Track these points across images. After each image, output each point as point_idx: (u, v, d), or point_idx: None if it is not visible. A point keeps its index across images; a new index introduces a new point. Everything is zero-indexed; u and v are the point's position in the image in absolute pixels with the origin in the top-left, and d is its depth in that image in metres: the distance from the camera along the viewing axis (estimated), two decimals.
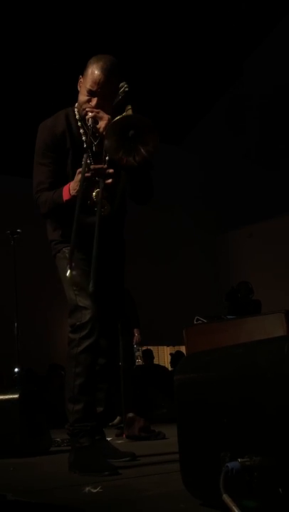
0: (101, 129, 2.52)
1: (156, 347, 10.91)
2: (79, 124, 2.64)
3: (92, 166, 2.46)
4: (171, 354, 9.82)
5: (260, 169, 10.51)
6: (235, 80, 11.11)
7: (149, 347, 9.40)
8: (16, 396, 3.58)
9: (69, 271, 2.37)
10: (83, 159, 2.45)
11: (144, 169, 2.48)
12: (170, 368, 9.36)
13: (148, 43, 9.31)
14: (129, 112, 2.47)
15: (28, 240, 5.81)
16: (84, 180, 2.41)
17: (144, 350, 9.20)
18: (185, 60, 9.93)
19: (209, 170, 11.54)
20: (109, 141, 2.38)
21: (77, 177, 2.45)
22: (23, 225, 5.45)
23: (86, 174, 2.42)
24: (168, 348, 11.22)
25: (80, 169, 2.43)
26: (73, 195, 2.45)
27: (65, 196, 2.49)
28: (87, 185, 2.44)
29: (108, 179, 2.49)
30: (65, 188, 2.50)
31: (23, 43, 8.41)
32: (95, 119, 2.53)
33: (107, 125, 2.48)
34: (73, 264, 2.56)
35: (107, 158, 2.54)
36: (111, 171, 2.49)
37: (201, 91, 10.81)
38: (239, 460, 1.37)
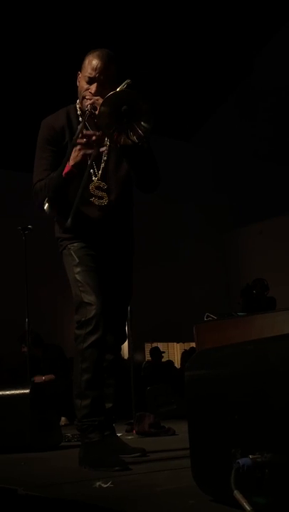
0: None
1: (166, 344, 10.92)
2: (80, 119, 2.65)
3: (86, 132, 2.47)
4: (185, 350, 9.80)
5: (270, 165, 10.46)
6: (245, 75, 11.06)
7: (158, 344, 9.41)
8: (27, 391, 3.59)
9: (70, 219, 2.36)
10: (79, 126, 2.47)
11: (142, 150, 2.45)
12: (179, 366, 9.36)
13: (158, 40, 9.29)
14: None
15: (39, 236, 5.83)
16: (74, 146, 2.43)
17: (152, 348, 9.22)
18: (195, 56, 9.90)
19: (219, 166, 11.50)
20: (102, 117, 2.36)
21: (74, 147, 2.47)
22: (34, 222, 5.46)
23: (79, 140, 2.44)
24: (178, 344, 11.22)
25: (74, 137, 2.47)
26: (72, 165, 2.46)
27: (66, 169, 2.49)
28: (84, 149, 2.45)
29: (101, 146, 2.54)
30: (67, 164, 2.50)
31: (25, 40, 8.41)
32: (94, 106, 2.53)
33: None
34: (78, 261, 2.58)
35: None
36: (92, 171, 2.57)
37: (211, 86, 10.77)
38: (250, 456, 1.37)
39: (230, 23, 9.65)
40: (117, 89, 2.39)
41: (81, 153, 2.45)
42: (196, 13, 9.30)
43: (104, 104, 2.34)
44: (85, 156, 2.46)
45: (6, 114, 9.01)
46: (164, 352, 9.27)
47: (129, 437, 4.06)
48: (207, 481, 1.62)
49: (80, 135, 2.45)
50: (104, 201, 2.64)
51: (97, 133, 2.48)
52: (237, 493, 1.33)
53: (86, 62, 2.60)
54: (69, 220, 2.29)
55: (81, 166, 2.47)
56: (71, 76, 2.74)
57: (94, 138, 2.47)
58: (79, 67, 2.66)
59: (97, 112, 2.46)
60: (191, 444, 1.69)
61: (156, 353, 8.91)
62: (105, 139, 2.58)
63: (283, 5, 9.71)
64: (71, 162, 2.46)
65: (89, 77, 2.57)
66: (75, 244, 2.64)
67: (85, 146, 2.45)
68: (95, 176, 2.64)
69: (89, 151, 2.46)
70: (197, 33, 9.58)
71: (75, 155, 2.45)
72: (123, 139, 2.37)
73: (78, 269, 2.61)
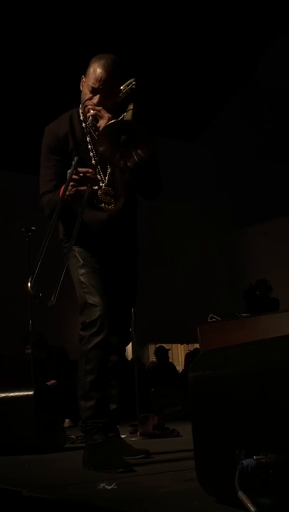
0: (101, 128, 2.53)
1: (170, 345, 10.91)
2: (83, 125, 2.66)
3: (79, 170, 2.48)
4: (189, 351, 9.78)
5: (275, 165, 10.44)
6: (249, 76, 11.05)
7: (162, 345, 9.39)
8: (31, 393, 3.59)
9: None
10: (73, 162, 2.48)
11: (145, 169, 2.48)
12: (183, 367, 9.34)
13: (161, 40, 9.29)
14: (130, 112, 2.50)
15: (43, 238, 5.83)
16: (69, 181, 2.44)
17: (158, 347, 9.20)
18: (198, 57, 9.90)
19: (223, 166, 11.49)
20: (102, 146, 2.42)
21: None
22: (38, 223, 5.46)
23: (74, 176, 2.46)
24: (182, 346, 11.20)
25: (69, 170, 2.47)
26: (67, 196, 2.49)
27: (61, 194, 2.51)
28: (76, 186, 2.48)
29: (95, 185, 2.55)
30: (62, 188, 2.52)
31: (27, 42, 8.42)
32: (96, 118, 2.55)
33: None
34: (83, 263, 2.60)
35: (94, 162, 2.62)
36: (99, 177, 2.59)
37: (215, 87, 10.77)
38: (254, 457, 1.36)
39: (233, 24, 9.65)
40: (117, 119, 2.41)
41: (74, 189, 2.48)
42: (199, 13, 9.30)
43: (103, 135, 2.39)
44: (78, 192, 2.49)
45: (10, 116, 9.03)
46: (169, 349, 9.27)
47: (134, 439, 4.06)
48: (211, 482, 1.62)
49: (75, 171, 2.47)
50: (112, 206, 2.65)
51: (90, 170, 2.51)
52: (241, 494, 1.33)
53: (91, 69, 2.59)
54: (53, 298, 2.29)
55: (75, 199, 2.51)
56: (75, 78, 2.75)
57: (88, 175, 2.50)
58: (83, 67, 2.66)
59: (98, 124, 2.52)
60: (195, 445, 1.69)
61: (162, 352, 8.90)
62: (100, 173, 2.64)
63: (287, 6, 9.70)
64: (67, 193, 2.48)
65: (92, 87, 2.58)
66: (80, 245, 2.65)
67: (78, 182, 2.48)
68: (102, 182, 2.65)
69: (82, 188, 2.49)
70: (201, 33, 9.57)
71: (69, 189, 2.47)
72: (122, 163, 2.42)
73: (83, 271, 2.62)
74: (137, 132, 2.36)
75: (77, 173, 2.47)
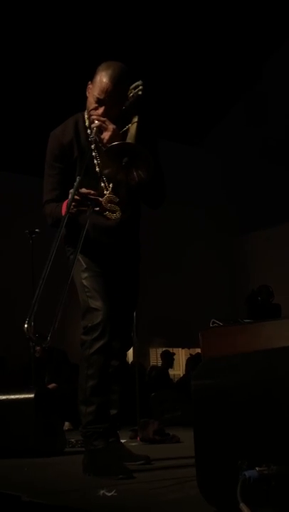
0: (105, 140, 2.52)
1: (170, 349, 10.89)
2: (88, 131, 2.64)
3: (81, 191, 2.46)
4: (190, 355, 9.76)
5: (279, 171, 10.43)
6: (254, 80, 11.06)
7: (168, 349, 9.38)
8: (31, 396, 3.58)
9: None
10: (75, 182, 2.45)
11: (147, 187, 2.49)
12: (184, 371, 9.32)
13: (167, 44, 9.30)
14: (134, 125, 2.49)
15: (47, 240, 5.81)
16: (71, 202, 2.43)
17: (164, 351, 9.20)
18: (204, 61, 9.91)
19: (228, 171, 11.49)
20: (106, 169, 2.44)
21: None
22: (42, 225, 5.45)
23: (75, 197, 2.44)
24: (183, 350, 11.19)
25: (72, 190, 2.45)
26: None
27: (63, 212, 2.51)
28: (78, 206, 2.47)
29: (96, 206, 2.54)
30: (64, 204, 2.52)
31: (32, 44, 8.43)
32: (100, 129, 2.54)
33: (111, 136, 2.49)
34: (86, 267, 2.59)
35: (97, 169, 2.61)
36: (101, 199, 2.57)
37: (220, 91, 10.77)
38: (257, 469, 1.35)
39: (239, 29, 9.66)
40: (114, 143, 2.40)
41: (75, 209, 2.47)
42: (205, 18, 9.31)
43: (106, 162, 2.40)
44: (79, 211, 2.49)
45: (14, 118, 9.04)
46: (174, 354, 9.25)
47: (134, 444, 4.04)
48: (212, 492, 1.60)
49: (77, 192, 2.46)
50: (117, 214, 2.64)
51: (92, 192, 2.50)
52: (243, 506, 1.32)
53: (97, 78, 2.55)
54: (48, 338, 2.28)
55: (77, 216, 2.51)
56: (79, 80, 2.73)
57: (90, 197, 2.49)
58: (87, 70, 2.62)
59: (103, 136, 2.52)
60: (197, 454, 1.68)
61: (168, 356, 8.89)
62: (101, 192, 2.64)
63: None
64: (69, 211, 2.46)
65: (98, 98, 2.54)
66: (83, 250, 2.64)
67: (79, 203, 2.47)
68: (107, 190, 2.64)
69: (83, 208, 2.49)
70: (206, 38, 9.58)
71: (71, 207, 2.45)
72: (124, 182, 2.44)
73: (86, 275, 2.61)
74: (138, 154, 2.36)
75: (79, 194, 2.45)
